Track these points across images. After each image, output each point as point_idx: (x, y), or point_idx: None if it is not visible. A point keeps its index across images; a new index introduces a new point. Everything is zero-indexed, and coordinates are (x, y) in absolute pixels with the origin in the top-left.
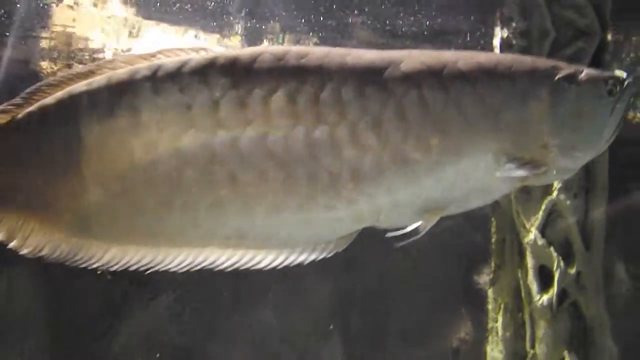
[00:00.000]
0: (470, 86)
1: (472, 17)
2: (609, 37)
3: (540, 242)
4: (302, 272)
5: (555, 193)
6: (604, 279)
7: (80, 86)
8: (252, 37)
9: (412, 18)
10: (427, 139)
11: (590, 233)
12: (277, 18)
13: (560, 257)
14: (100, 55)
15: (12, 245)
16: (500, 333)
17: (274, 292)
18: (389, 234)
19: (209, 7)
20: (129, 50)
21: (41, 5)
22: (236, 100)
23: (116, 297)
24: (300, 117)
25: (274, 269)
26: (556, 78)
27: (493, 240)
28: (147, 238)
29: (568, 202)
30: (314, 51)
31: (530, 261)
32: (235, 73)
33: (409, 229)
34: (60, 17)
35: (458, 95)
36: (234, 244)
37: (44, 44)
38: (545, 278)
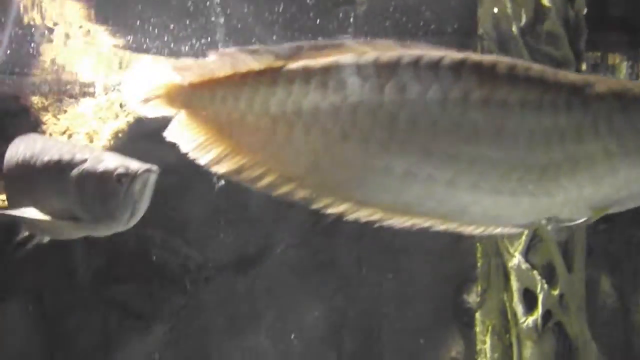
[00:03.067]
0: None
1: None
2: (584, 66)
3: (524, 266)
4: (293, 294)
5: None
6: (587, 295)
7: (347, 57)
8: None
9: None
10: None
11: (572, 255)
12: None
13: (543, 280)
14: (90, 89)
15: (245, 176)
16: (488, 355)
17: (267, 316)
18: (553, 225)
19: (201, 37)
20: (119, 84)
21: (30, 42)
22: (483, 99)
23: (111, 328)
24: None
25: (265, 292)
26: None
27: (479, 264)
28: (383, 201)
29: (549, 227)
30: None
31: (515, 284)
32: (483, 74)
33: (576, 222)
34: (50, 52)
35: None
36: (440, 214)
37: (33, 79)
38: (530, 300)
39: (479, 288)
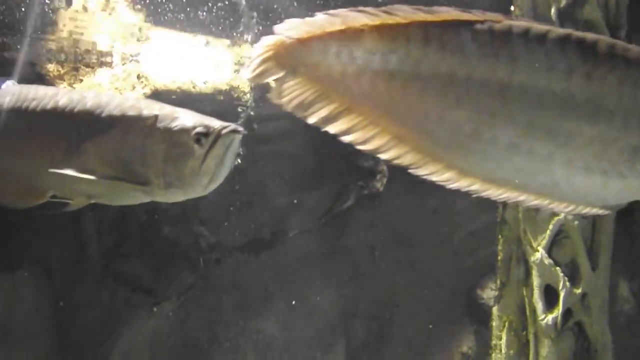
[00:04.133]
0: None
1: None
2: None
3: (547, 261)
4: (305, 280)
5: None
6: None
7: (463, 23)
8: None
9: None
10: None
11: (597, 254)
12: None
13: (566, 278)
14: (108, 59)
15: (356, 136)
16: (504, 351)
17: (277, 301)
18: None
19: (220, 13)
20: (137, 55)
21: (48, 9)
22: (586, 75)
23: (119, 304)
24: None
25: (276, 276)
26: None
27: (499, 257)
28: (484, 172)
29: (576, 223)
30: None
31: (536, 280)
32: (586, 50)
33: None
34: (68, 20)
35: None
36: (533, 189)
37: (50, 46)
38: (550, 297)
39: (498, 281)
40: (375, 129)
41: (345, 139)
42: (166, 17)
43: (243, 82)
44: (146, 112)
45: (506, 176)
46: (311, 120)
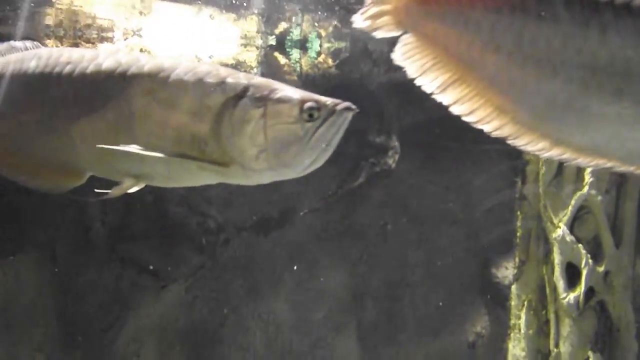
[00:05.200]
0: None
1: None
2: None
3: (569, 238)
4: (315, 260)
5: (586, 188)
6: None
7: None
8: (269, 20)
9: None
10: None
11: (621, 230)
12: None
13: (588, 255)
14: (109, 34)
15: (464, 108)
16: (523, 330)
17: (287, 282)
18: None
19: None
20: (139, 29)
21: None
22: None
23: (125, 287)
24: None
25: (286, 256)
26: None
27: (518, 234)
28: (575, 141)
29: (599, 198)
30: None
31: (557, 258)
32: None
33: None
34: None
35: None
36: (621, 156)
37: (49, 21)
38: (572, 275)
39: (517, 260)
40: (480, 101)
41: (454, 110)
42: None
43: (249, 57)
44: (231, 80)
45: (595, 144)
46: (427, 87)
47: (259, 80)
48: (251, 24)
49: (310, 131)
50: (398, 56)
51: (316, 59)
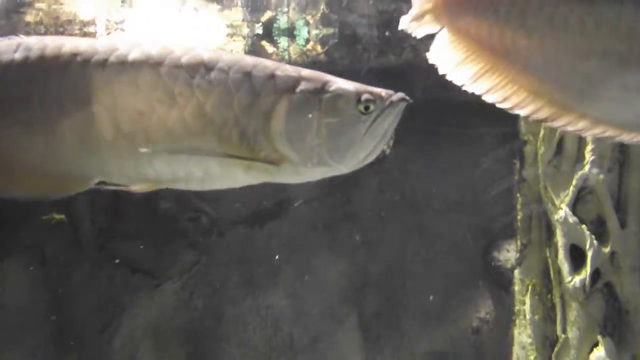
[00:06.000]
0: None
1: None
2: None
3: (572, 219)
4: (312, 251)
5: (587, 167)
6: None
7: None
8: (254, 9)
9: None
10: None
11: (626, 209)
12: None
13: (593, 236)
14: (91, 29)
15: (497, 96)
16: (528, 316)
17: (284, 274)
18: None
19: None
20: (122, 22)
21: None
22: None
23: (118, 287)
24: None
25: (283, 248)
26: None
27: (519, 217)
28: (615, 119)
29: (601, 177)
30: None
31: (560, 240)
32: None
33: None
34: None
35: None
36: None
37: (29, 18)
38: (576, 258)
39: (518, 243)
40: (514, 87)
41: (487, 98)
42: None
43: (236, 47)
44: (281, 73)
45: (637, 120)
46: (458, 79)
47: (308, 72)
48: (236, 13)
49: (367, 124)
50: (434, 53)
51: (304, 46)
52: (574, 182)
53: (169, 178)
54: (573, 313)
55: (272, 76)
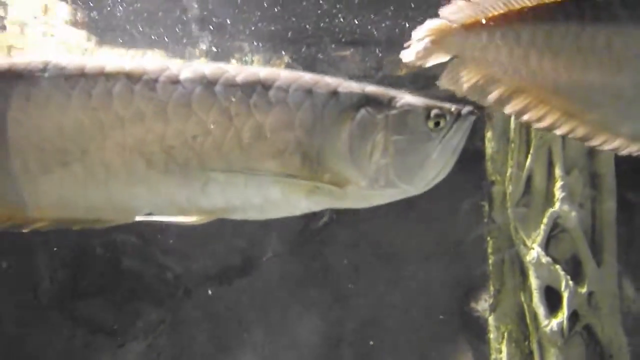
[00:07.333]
0: None
1: None
2: None
3: (544, 259)
4: (285, 307)
5: (557, 204)
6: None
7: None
8: (216, 58)
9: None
10: None
11: (601, 246)
12: (242, 38)
13: (568, 276)
14: None
15: (530, 115)
16: None
17: (256, 331)
18: None
19: (169, 29)
20: None
21: None
22: None
23: (78, 349)
24: None
25: (253, 305)
26: None
27: (490, 262)
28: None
29: (573, 214)
30: None
31: (534, 282)
32: None
33: None
34: (5, 41)
35: None
36: None
37: None
38: (552, 300)
39: (492, 289)
40: (546, 107)
41: (522, 118)
42: (112, 35)
43: None
44: (344, 90)
45: None
46: (486, 103)
47: (372, 88)
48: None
49: (437, 141)
50: (446, 81)
51: None
52: (544, 220)
53: (224, 207)
54: (552, 359)
55: (334, 93)
